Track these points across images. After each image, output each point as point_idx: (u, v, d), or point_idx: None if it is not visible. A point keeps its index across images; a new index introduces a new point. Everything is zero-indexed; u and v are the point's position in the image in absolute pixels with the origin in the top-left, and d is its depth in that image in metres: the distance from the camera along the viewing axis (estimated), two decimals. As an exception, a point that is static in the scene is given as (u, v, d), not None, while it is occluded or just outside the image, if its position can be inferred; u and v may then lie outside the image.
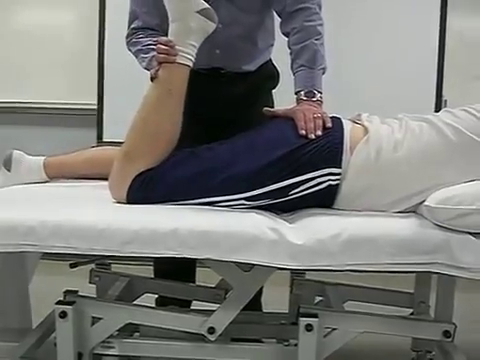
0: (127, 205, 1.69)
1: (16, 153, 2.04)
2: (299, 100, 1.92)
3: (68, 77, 3.75)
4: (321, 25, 2.04)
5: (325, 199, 1.69)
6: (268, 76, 2.31)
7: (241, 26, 2.13)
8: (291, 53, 2.04)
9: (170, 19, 1.77)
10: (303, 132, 1.70)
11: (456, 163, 1.63)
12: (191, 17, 1.73)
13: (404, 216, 1.62)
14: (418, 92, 3.39)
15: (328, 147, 1.67)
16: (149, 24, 2.11)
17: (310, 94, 1.91)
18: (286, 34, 2.08)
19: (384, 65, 3.41)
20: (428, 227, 1.54)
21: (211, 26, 1.78)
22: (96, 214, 1.60)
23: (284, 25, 2.09)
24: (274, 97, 2.35)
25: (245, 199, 1.67)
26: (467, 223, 1.51)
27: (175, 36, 1.75)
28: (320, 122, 1.74)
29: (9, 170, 2.02)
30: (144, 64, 2.05)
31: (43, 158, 2.06)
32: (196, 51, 1.78)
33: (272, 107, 2.11)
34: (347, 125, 1.74)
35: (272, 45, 2.32)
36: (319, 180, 1.66)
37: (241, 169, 1.67)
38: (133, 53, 2.14)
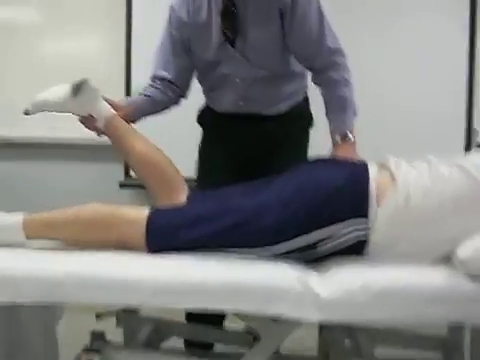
0: (156, 256, 1.65)
1: None
2: (334, 143, 2.07)
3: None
4: (348, 72, 2.10)
5: (355, 250, 1.65)
6: (297, 115, 2.32)
7: (259, 78, 2.16)
8: (324, 100, 2.11)
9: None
10: None
11: None
12: (72, 105, 2.02)
13: (435, 268, 1.58)
14: (448, 123, 3.35)
15: (353, 198, 1.63)
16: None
17: (344, 136, 2.04)
18: (315, 83, 2.15)
19: (411, 98, 3.37)
20: (460, 278, 1.50)
21: (89, 88, 2.03)
22: (123, 266, 1.59)
23: (313, 77, 2.16)
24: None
25: (273, 252, 1.65)
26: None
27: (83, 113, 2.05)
28: None
29: None
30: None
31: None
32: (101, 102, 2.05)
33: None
34: (373, 173, 1.70)
35: (304, 87, 2.34)
36: (347, 233, 1.62)
37: (268, 222, 1.63)
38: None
